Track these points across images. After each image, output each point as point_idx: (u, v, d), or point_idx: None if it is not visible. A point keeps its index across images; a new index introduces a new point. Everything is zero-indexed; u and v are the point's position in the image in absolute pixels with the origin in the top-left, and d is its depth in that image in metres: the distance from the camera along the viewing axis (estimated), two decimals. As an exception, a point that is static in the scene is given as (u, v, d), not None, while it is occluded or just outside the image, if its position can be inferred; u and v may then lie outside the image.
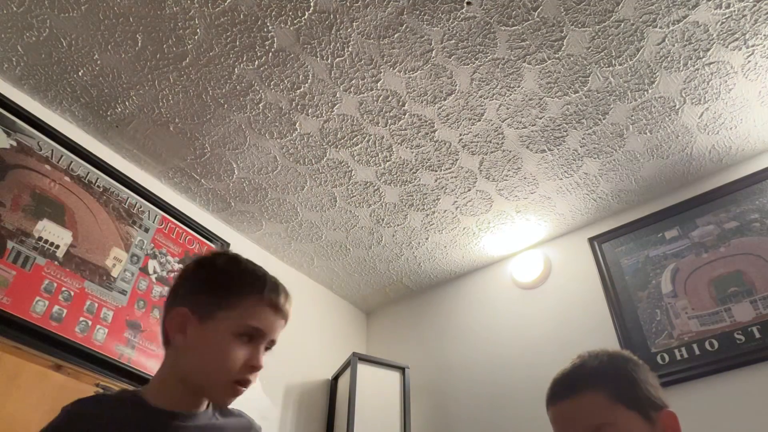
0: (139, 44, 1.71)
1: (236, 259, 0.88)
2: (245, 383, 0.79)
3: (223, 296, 0.81)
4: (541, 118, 1.95)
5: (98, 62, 1.76)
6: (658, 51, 1.72)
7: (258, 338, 0.81)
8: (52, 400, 1.51)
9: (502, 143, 2.05)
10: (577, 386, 0.86)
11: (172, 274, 2.08)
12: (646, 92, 1.85)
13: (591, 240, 2.36)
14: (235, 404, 0.85)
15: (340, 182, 2.21)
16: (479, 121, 1.96)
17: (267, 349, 0.84)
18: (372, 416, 2.27)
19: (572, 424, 0.84)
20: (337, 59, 1.75)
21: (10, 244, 1.63)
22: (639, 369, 0.88)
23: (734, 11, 1.61)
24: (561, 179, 2.20)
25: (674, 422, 0.82)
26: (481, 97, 1.87)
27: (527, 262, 2.50)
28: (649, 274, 2.12)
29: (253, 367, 0.79)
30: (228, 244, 2.36)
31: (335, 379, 2.54)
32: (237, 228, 2.47)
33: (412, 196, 2.28)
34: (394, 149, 2.07)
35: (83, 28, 1.66)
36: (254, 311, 0.81)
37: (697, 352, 1.88)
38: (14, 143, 1.75)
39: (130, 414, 0.79)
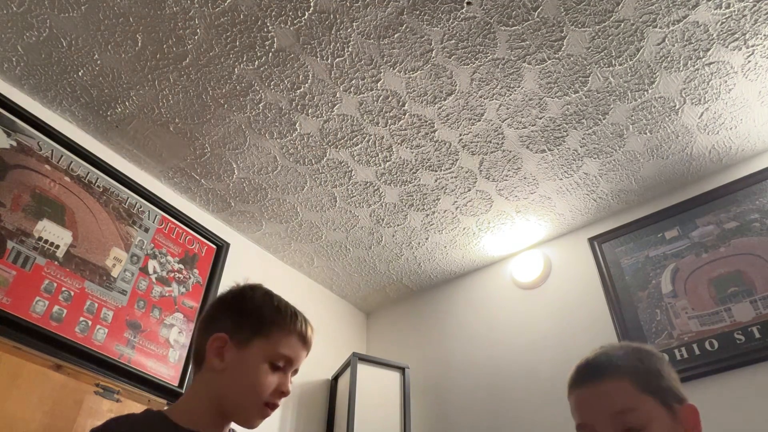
0: (139, 44, 1.71)
1: (271, 293, 0.97)
2: (273, 407, 0.88)
3: (259, 326, 0.90)
4: (541, 118, 1.95)
5: (98, 62, 1.76)
6: (658, 51, 1.72)
7: (287, 366, 0.90)
8: (52, 400, 1.51)
9: (502, 143, 2.05)
10: (603, 372, 0.86)
11: (172, 274, 2.09)
12: (646, 92, 1.85)
13: (591, 240, 2.36)
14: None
15: (340, 182, 2.21)
16: (479, 121, 1.96)
17: (291, 376, 0.93)
18: (372, 416, 2.27)
19: (596, 408, 0.84)
20: (337, 59, 1.75)
21: (10, 244, 1.63)
22: (663, 362, 0.89)
23: (734, 11, 1.61)
24: (561, 179, 2.20)
25: (695, 417, 0.83)
26: (481, 97, 1.87)
27: (527, 262, 2.50)
28: (649, 274, 2.12)
29: (283, 392, 0.88)
30: (228, 244, 2.36)
31: (335, 379, 2.54)
32: (237, 228, 2.47)
33: (412, 196, 2.28)
34: (394, 149, 2.07)
35: (83, 28, 1.66)
36: (286, 341, 0.89)
37: (697, 352, 1.88)
38: (14, 143, 1.75)
39: None
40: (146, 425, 0.83)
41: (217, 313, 0.95)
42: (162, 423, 0.83)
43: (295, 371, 0.93)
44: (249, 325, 0.90)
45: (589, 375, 0.88)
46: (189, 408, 0.87)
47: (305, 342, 0.93)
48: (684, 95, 1.86)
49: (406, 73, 1.79)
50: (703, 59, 1.74)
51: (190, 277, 2.15)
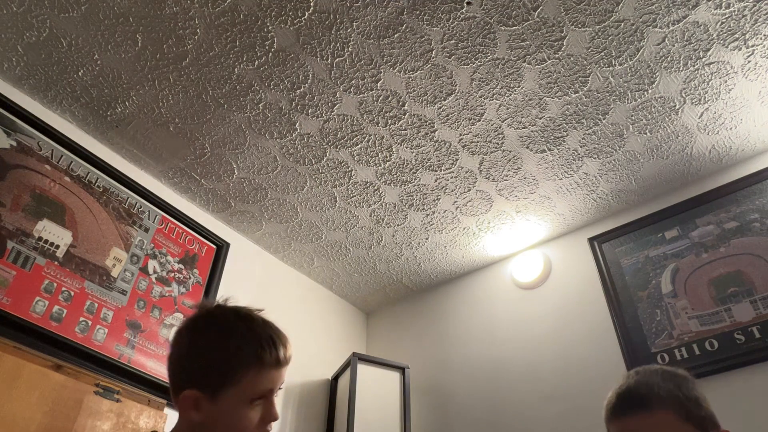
0: (139, 44, 1.71)
1: (229, 326, 0.86)
2: None
3: (226, 374, 0.82)
4: (541, 118, 1.95)
5: (98, 62, 1.76)
6: (658, 51, 1.72)
7: (268, 396, 0.86)
8: (52, 400, 1.51)
9: (502, 143, 2.05)
10: (647, 403, 0.89)
11: (172, 274, 2.09)
12: (646, 92, 1.85)
13: (591, 240, 2.36)
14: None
15: (340, 182, 2.21)
16: (479, 121, 1.96)
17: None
18: (372, 416, 2.27)
19: None
20: (337, 59, 1.75)
21: (10, 244, 1.63)
22: (698, 388, 0.92)
23: (734, 11, 1.61)
24: (561, 179, 2.20)
25: None
26: (481, 97, 1.87)
27: (527, 262, 2.50)
28: (649, 274, 2.12)
29: (271, 421, 0.85)
30: (228, 244, 2.36)
31: (335, 379, 2.54)
32: (237, 228, 2.47)
33: (412, 196, 2.28)
34: (394, 149, 2.07)
35: (83, 28, 1.66)
36: (258, 379, 0.83)
37: (697, 352, 1.88)
38: (14, 143, 1.75)
39: None
40: None
41: (180, 359, 0.88)
42: None
43: (279, 388, 0.90)
44: (216, 375, 0.82)
45: (633, 405, 0.90)
46: None
47: (281, 365, 0.88)
48: (684, 95, 1.86)
49: (406, 73, 1.79)
50: (703, 59, 1.74)
51: (190, 277, 2.15)
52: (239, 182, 2.22)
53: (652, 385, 0.90)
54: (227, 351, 0.84)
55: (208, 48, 1.72)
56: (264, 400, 0.85)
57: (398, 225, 2.44)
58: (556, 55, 1.74)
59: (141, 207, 2.08)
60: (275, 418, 0.85)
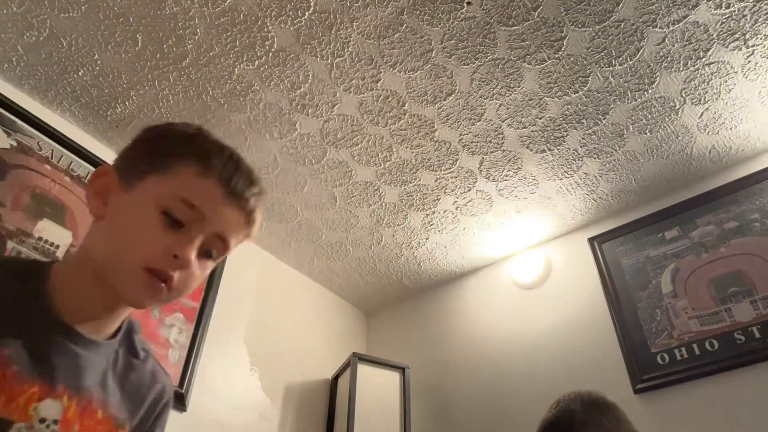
0: (139, 44, 1.71)
1: (195, 126, 0.71)
2: (160, 274, 0.60)
3: (157, 156, 0.65)
4: (541, 118, 1.95)
5: (98, 62, 1.76)
6: (658, 51, 1.72)
7: (193, 225, 0.63)
8: (52, 400, 1.51)
9: (502, 143, 2.05)
10: (572, 429, 0.96)
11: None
12: (646, 92, 1.85)
13: (591, 240, 2.36)
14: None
15: (340, 182, 2.21)
16: (479, 121, 1.96)
17: (211, 254, 0.67)
18: (372, 416, 2.27)
19: None
20: (337, 59, 1.75)
21: (10, 244, 1.63)
22: (618, 411, 0.99)
23: (734, 11, 1.61)
24: (561, 179, 2.20)
25: None
26: (481, 97, 1.87)
27: (527, 262, 2.50)
28: (649, 274, 2.12)
29: (176, 256, 0.61)
30: (228, 244, 2.36)
31: (335, 379, 2.54)
32: (237, 228, 2.47)
33: (412, 196, 2.28)
34: (394, 149, 2.07)
35: (83, 28, 1.66)
36: (193, 182, 0.63)
37: (697, 352, 1.88)
38: (14, 143, 1.75)
39: (27, 313, 0.61)
40: (17, 285, 0.62)
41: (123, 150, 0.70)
42: (35, 294, 0.62)
43: (220, 244, 0.67)
44: (145, 155, 0.66)
45: None
46: (70, 280, 0.65)
47: (232, 194, 0.66)
48: (684, 95, 1.86)
49: (406, 73, 1.79)
50: (703, 59, 1.74)
51: (190, 277, 2.15)
52: (239, 182, 2.21)
53: (573, 411, 0.98)
54: (178, 134, 0.68)
55: (208, 48, 1.72)
56: (183, 229, 0.63)
57: (398, 225, 2.44)
58: (556, 55, 1.74)
59: (141, 207, 2.08)
60: (183, 257, 0.61)
